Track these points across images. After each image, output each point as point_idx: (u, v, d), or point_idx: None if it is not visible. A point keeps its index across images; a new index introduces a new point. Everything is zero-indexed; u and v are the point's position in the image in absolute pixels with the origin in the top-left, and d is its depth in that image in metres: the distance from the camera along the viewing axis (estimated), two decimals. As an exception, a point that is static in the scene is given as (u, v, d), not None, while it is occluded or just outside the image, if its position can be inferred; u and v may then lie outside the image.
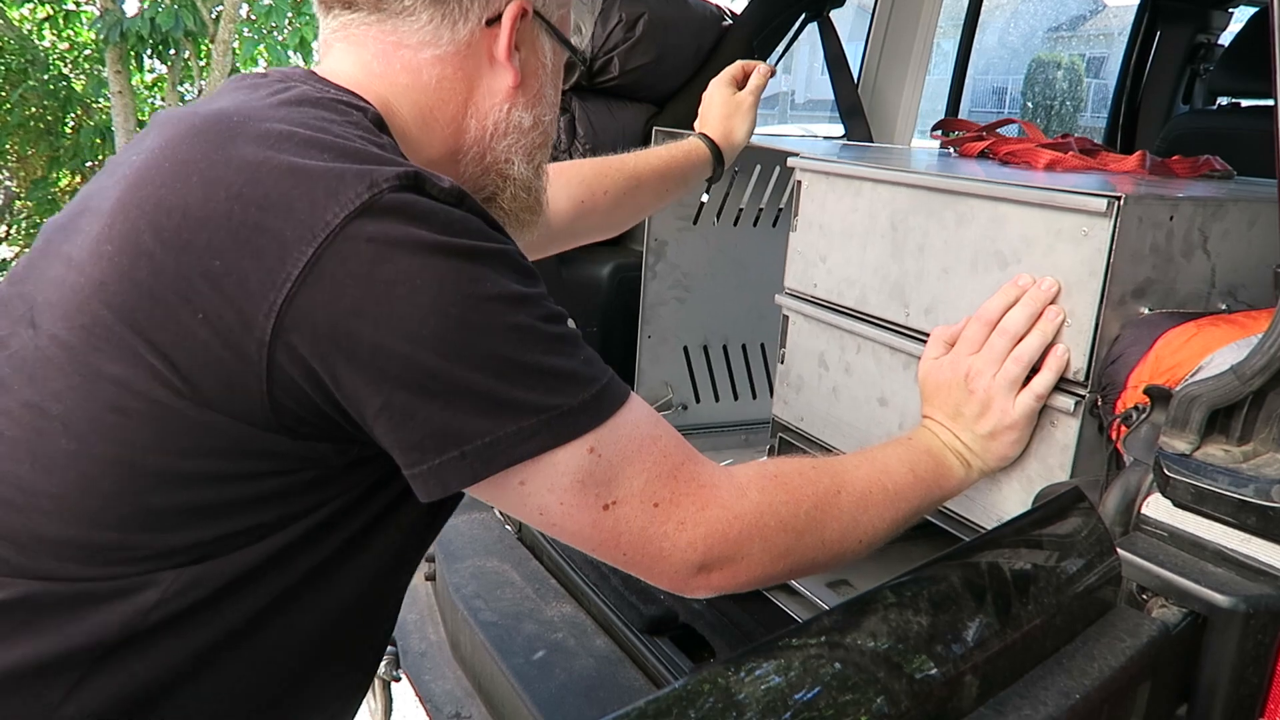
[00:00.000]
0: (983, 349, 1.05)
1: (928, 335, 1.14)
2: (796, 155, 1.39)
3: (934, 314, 1.17)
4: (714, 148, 1.49)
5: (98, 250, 0.78)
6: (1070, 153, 1.38)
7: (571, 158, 1.97)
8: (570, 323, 0.86)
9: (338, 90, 0.89)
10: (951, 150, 1.60)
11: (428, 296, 0.74)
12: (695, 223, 1.92)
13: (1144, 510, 0.86)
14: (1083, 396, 1.00)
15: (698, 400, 2.03)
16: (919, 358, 1.13)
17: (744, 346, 2.06)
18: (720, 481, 0.88)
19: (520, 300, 0.79)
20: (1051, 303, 1.02)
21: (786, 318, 1.42)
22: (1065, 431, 1.03)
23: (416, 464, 0.78)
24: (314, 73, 0.93)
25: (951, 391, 1.07)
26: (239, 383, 0.75)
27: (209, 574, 0.79)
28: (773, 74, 1.54)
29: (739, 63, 1.54)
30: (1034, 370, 1.03)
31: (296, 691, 0.89)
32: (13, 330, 0.81)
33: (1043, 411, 1.04)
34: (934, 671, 0.65)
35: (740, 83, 1.53)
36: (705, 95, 1.54)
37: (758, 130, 1.57)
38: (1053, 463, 1.04)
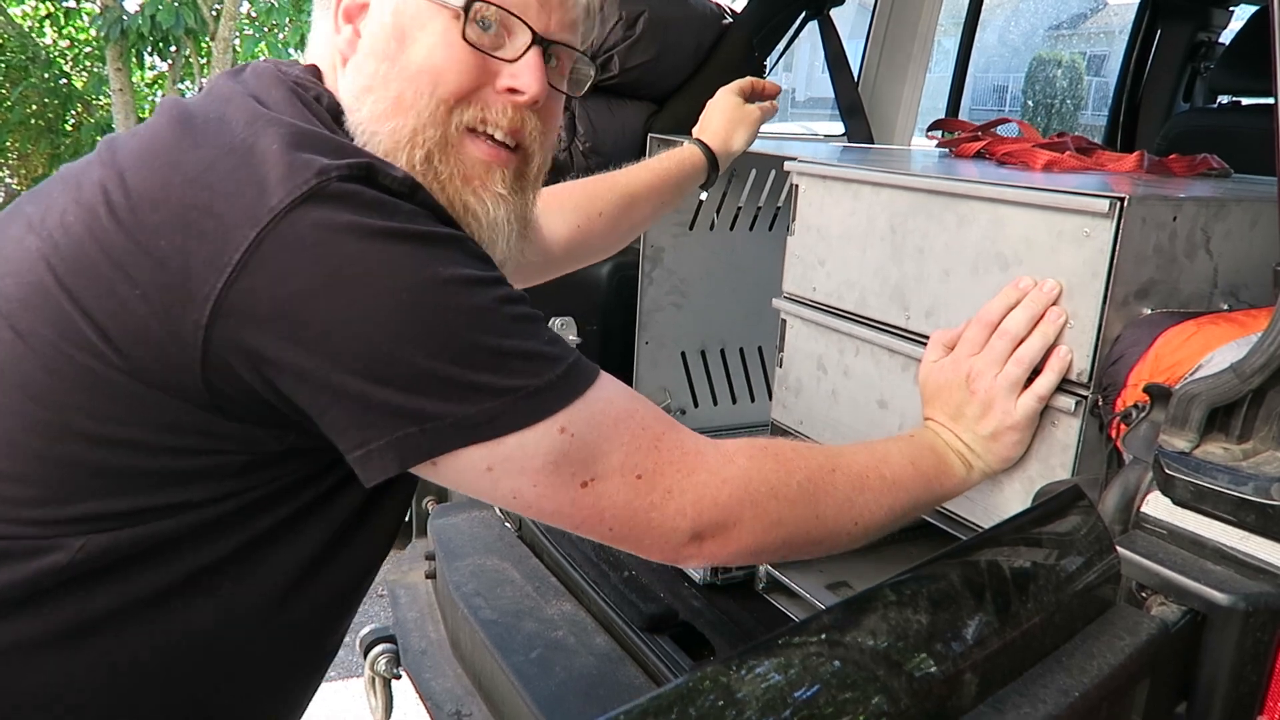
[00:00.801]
0: (984, 351, 1.05)
1: (928, 338, 1.14)
2: (793, 159, 1.39)
3: (935, 317, 1.17)
4: (709, 154, 1.50)
5: (61, 220, 0.80)
6: (1067, 152, 1.38)
7: (571, 156, 1.97)
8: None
9: (304, 78, 0.91)
10: (948, 150, 1.60)
11: (377, 281, 0.74)
12: (691, 229, 1.92)
13: (1143, 508, 0.86)
14: (1084, 397, 1.00)
15: (696, 405, 2.03)
16: (919, 360, 1.14)
17: (741, 350, 2.06)
18: (706, 449, 0.88)
19: (476, 282, 0.79)
20: (1053, 304, 1.02)
21: (785, 321, 1.42)
22: (1066, 431, 1.03)
23: (369, 442, 0.77)
24: (280, 66, 0.93)
25: (953, 393, 1.07)
26: (174, 361, 0.75)
27: (122, 541, 0.79)
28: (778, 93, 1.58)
29: (750, 79, 1.56)
30: (1036, 371, 1.03)
31: (207, 675, 0.88)
32: None
33: (1044, 412, 1.04)
34: (933, 669, 0.65)
35: (748, 97, 1.55)
36: (711, 102, 1.55)
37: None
38: (1054, 463, 1.04)
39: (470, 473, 0.80)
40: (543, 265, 1.33)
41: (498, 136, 0.93)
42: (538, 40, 0.93)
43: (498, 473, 0.80)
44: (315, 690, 1.01)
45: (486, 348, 0.78)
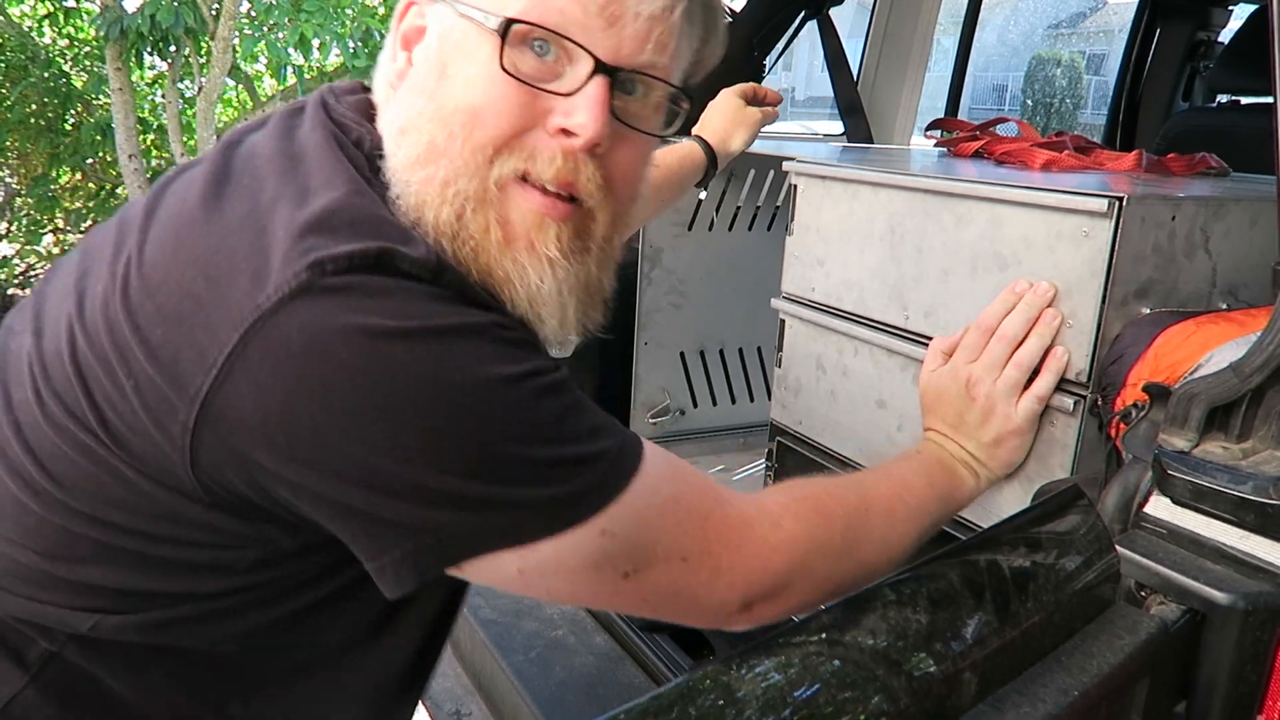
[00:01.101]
0: (982, 356, 1.05)
1: (928, 338, 1.14)
2: (792, 159, 1.40)
3: (934, 316, 1.17)
4: (709, 152, 1.50)
5: (92, 287, 0.75)
6: (1066, 151, 1.38)
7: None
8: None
9: (346, 116, 0.81)
10: (947, 150, 1.60)
11: (376, 391, 0.66)
12: (690, 229, 1.92)
13: (1143, 508, 0.86)
14: (1082, 397, 1.01)
15: (695, 405, 2.03)
16: (917, 360, 1.14)
17: (740, 350, 2.06)
18: (752, 516, 0.83)
19: (501, 382, 0.69)
20: (1049, 306, 1.02)
21: (783, 322, 1.42)
22: (1065, 431, 1.03)
23: (381, 555, 0.71)
24: (329, 99, 0.83)
25: (953, 400, 1.06)
26: (165, 458, 0.69)
27: (129, 626, 0.75)
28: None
29: (753, 85, 1.58)
30: (1034, 374, 1.03)
31: None
32: (22, 330, 0.79)
33: (1043, 412, 1.04)
34: (933, 669, 0.65)
35: (750, 101, 1.56)
36: (714, 102, 1.56)
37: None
38: (1053, 463, 1.04)
39: (498, 574, 0.73)
40: None
41: (549, 187, 0.78)
42: (603, 69, 0.76)
43: (530, 575, 0.73)
44: None
45: (511, 458, 0.69)
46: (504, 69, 0.75)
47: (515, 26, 0.75)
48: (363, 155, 0.78)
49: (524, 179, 0.77)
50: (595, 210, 0.80)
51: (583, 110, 0.76)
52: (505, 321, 0.75)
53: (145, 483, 0.71)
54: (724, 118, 1.53)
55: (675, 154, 1.48)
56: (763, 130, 1.60)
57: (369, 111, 0.83)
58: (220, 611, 0.77)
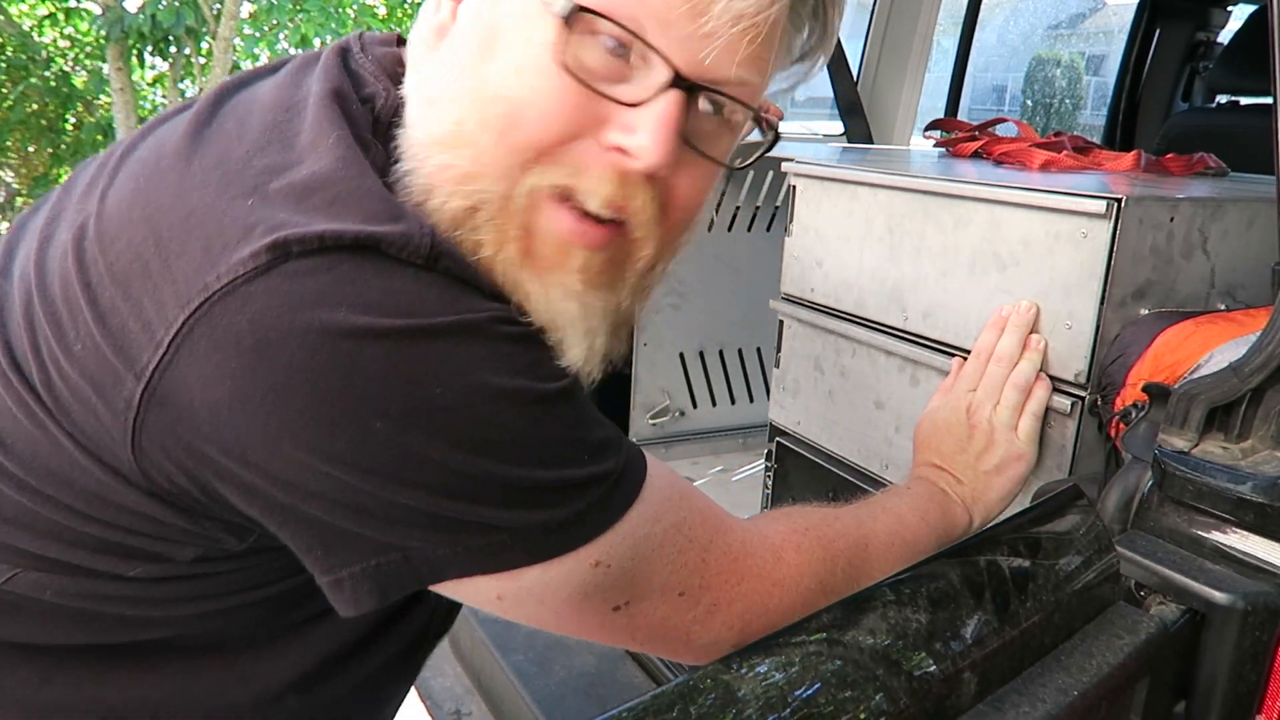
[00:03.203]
0: (982, 381, 1.05)
1: (927, 340, 1.14)
2: (791, 160, 1.40)
3: (933, 317, 1.17)
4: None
5: (58, 234, 0.67)
6: (1064, 152, 1.38)
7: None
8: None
9: (363, 69, 0.71)
10: (945, 150, 1.60)
11: (337, 402, 0.57)
12: None
13: (1143, 508, 0.86)
14: (1080, 398, 1.01)
15: (695, 406, 2.03)
16: (915, 362, 1.14)
17: (740, 351, 2.06)
18: (754, 547, 0.77)
19: (492, 395, 0.60)
20: (1033, 330, 1.03)
21: (782, 322, 1.42)
22: (1062, 432, 1.03)
23: (337, 569, 0.63)
24: (354, 49, 0.73)
25: (952, 430, 1.05)
26: (106, 432, 0.61)
27: (48, 586, 0.68)
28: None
29: None
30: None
31: None
32: None
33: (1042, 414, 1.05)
34: (933, 668, 0.65)
35: None
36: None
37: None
38: (1050, 464, 1.05)
39: (475, 597, 0.67)
40: None
41: (591, 207, 0.66)
42: (680, 83, 0.64)
43: (510, 601, 0.67)
44: None
45: (496, 478, 0.61)
46: (565, 66, 0.63)
47: (582, 15, 0.62)
48: (370, 117, 0.68)
49: (563, 197, 0.66)
50: (642, 240, 0.70)
51: (647, 130, 0.64)
52: (509, 314, 0.64)
53: (82, 456, 0.63)
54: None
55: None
56: None
57: (396, 69, 0.72)
58: (150, 600, 0.70)
